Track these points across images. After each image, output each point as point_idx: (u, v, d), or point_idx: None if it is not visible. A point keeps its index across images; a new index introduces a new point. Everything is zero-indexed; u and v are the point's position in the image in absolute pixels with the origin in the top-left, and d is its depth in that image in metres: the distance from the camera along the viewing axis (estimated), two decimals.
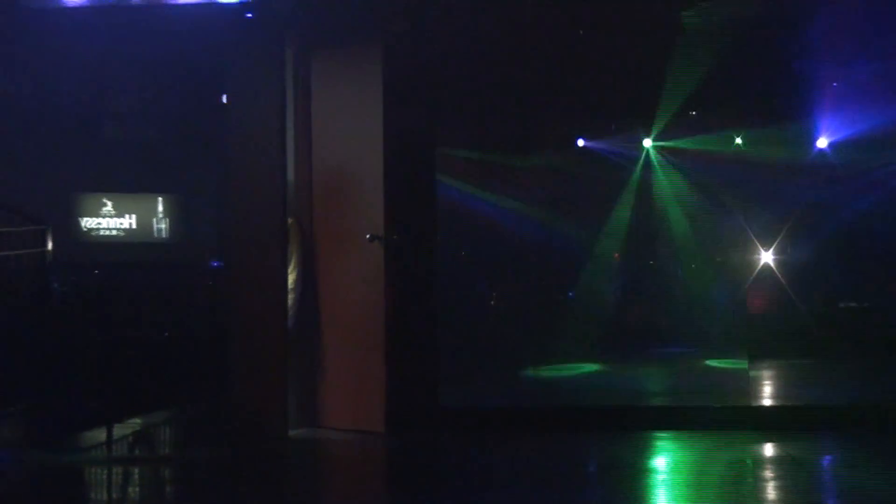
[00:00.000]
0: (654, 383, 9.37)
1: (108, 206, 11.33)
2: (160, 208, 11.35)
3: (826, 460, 6.61)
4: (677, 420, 7.29)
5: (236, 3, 7.08)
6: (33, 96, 10.16)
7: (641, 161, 12.71)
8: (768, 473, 6.14)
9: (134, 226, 11.33)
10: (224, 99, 7.27)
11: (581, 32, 9.66)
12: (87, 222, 11.27)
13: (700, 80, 10.94)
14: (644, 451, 6.74)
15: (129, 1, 7.49)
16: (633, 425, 7.24)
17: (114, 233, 11.33)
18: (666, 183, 12.73)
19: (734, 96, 11.33)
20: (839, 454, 6.66)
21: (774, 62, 10.50)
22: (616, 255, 12.85)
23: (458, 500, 5.60)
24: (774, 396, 8.68)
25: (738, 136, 12.43)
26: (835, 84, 11.08)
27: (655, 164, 12.69)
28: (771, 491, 5.65)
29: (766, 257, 12.36)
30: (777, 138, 11.96)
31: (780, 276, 12.19)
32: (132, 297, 8.41)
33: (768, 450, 6.73)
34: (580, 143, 12.77)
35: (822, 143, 12.11)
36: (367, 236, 7.02)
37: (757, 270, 12.36)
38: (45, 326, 7.42)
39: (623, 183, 12.74)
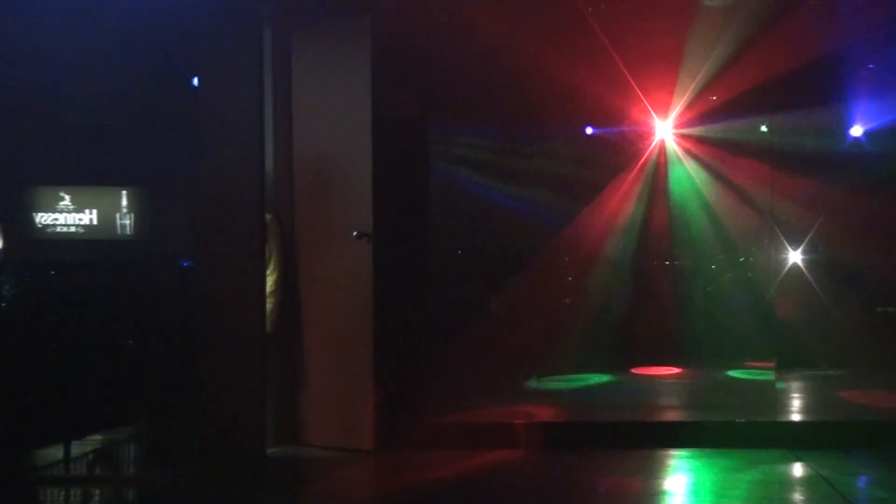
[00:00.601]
0: (670, 396, 9.38)
1: (66, 201, 11.34)
2: (124, 202, 11.36)
3: (861, 481, 6.62)
4: (696, 437, 7.31)
5: None
6: None
7: (656, 151, 12.73)
8: (797, 496, 6.14)
9: (95, 221, 11.34)
10: (195, 82, 7.26)
11: (589, 8, 9.66)
12: (43, 218, 11.28)
13: (722, 63, 10.95)
14: (657, 471, 6.75)
15: None
16: (646, 442, 7.26)
17: (72, 229, 11.33)
18: (683, 175, 12.74)
19: (759, 81, 11.33)
20: (874, 474, 6.67)
21: (800, 44, 10.51)
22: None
23: None
24: (803, 411, 8.69)
25: (763, 125, 12.44)
26: (871, 66, 11.09)
27: (672, 153, 12.70)
28: None
29: (795, 257, 12.38)
30: (807, 126, 11.97)
31: (810, 277, 12.20)
32: (93, 301, 8.41)
33: (797, 469, 6.74)
34: (588, 130, 12.78)
35: (856, 131, 12.13)
36: (354, 234, 7.02)
37: (785, 271, 12.37)
38: None
39: (635, 174, 12.75)
